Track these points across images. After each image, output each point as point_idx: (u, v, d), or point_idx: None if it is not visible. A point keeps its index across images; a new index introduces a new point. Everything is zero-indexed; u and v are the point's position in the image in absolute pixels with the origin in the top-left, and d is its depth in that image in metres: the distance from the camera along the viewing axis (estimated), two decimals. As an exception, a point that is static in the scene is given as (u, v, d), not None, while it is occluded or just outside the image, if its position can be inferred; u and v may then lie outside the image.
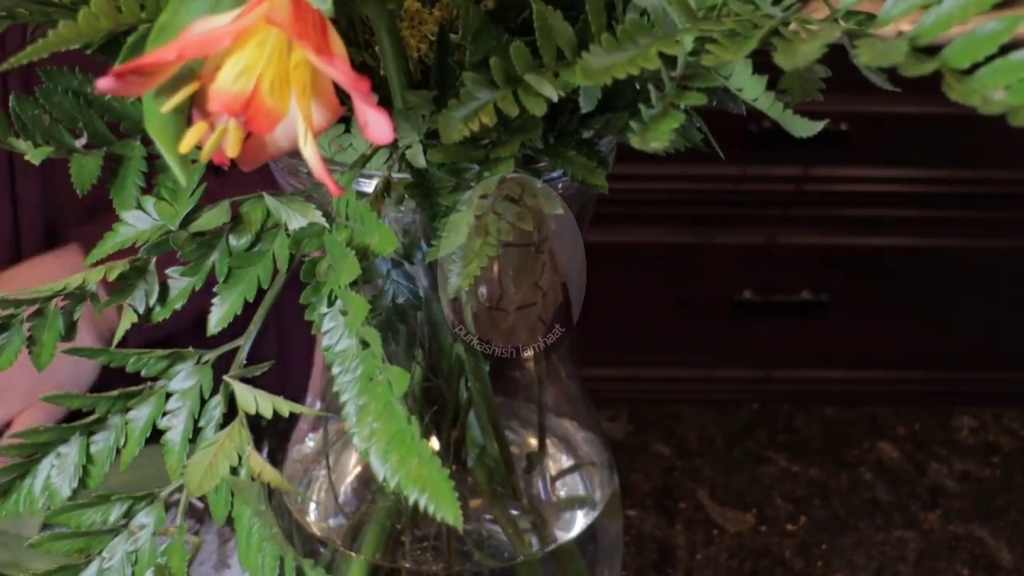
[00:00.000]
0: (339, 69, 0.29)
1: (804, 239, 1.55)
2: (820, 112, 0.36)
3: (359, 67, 0.41)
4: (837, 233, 1.55)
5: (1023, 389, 1.62)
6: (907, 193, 1.52)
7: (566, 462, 0.56)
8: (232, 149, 0.32)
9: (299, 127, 0.32)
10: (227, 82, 0.31)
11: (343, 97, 0.33)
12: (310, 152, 0.32)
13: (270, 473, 0.37)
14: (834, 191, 1.52)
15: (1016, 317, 1.60)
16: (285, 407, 0.37)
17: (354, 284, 0.35)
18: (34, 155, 0.40)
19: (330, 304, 0.35)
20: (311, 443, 0.56)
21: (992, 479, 0.77)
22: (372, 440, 0.31)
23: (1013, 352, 1.62)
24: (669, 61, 0.31)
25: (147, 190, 0.42)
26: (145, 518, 0.40)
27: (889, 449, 0.80)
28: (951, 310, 1.60)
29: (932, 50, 0.27)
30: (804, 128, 0.34)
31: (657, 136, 0.29)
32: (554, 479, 0.55)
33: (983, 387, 1.63)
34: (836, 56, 0.34)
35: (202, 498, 0.39)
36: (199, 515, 0.70)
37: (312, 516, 0.54)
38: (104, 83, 0.30)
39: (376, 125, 0.30)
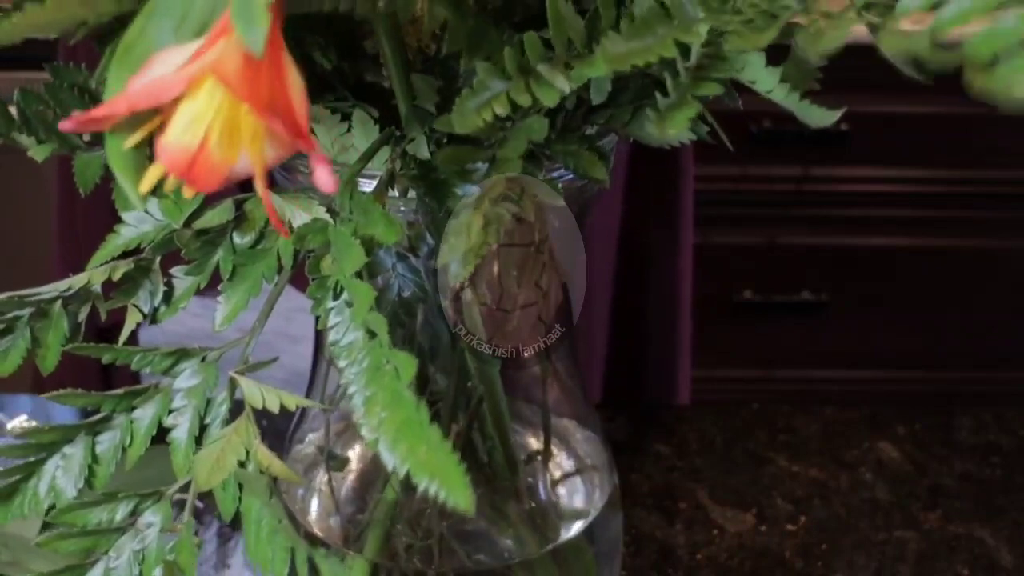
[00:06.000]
0: (281, 125, 0.29)
1: (804, 239, 1.55)
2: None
3: (361, 79, 0.41)
4: (837, 233, 1.55)
5: (1023, 389, 1.62)
6: (907, 193, 1.52)
7: (566, 462, 0.56)
8: (188, 193, 0.32)
9: (253, 168, 0.31)
10: (176, 133, 0.30)
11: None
12: (262, 190, 0.31)
13: (278, 466, 0.37)
14: (834, 191, 1.52)
15: (1016, 317, 1.60)
16: (291, 401, 0.37)
17: (359, 275, 0.35)
18: (37, 152, 0.40)
19: (335, 297, 0.35)
20: (311, 443, 0.56)
21: (992, 479, 0.77)
22: (380, 429, 0.31)
23: (1013, 352, 1.62)
24: (684, 51, 0.32)
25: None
26: (152, 516, 0.39)
27: (889, 449, 0.80)
28: (951, 310, 1.60)
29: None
30: (820, 118, 0.34)
31: (675, 124, 0.30)
32: (554, 480, 0.55)
33: (983, 387, 1.63)
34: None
35: (202, 498, 0.39)
36: (199, 516, 0.70)
37: (312, 516, 0.54)
38: (66, 125, 0.30)
39: (320, 176, 0.30)
